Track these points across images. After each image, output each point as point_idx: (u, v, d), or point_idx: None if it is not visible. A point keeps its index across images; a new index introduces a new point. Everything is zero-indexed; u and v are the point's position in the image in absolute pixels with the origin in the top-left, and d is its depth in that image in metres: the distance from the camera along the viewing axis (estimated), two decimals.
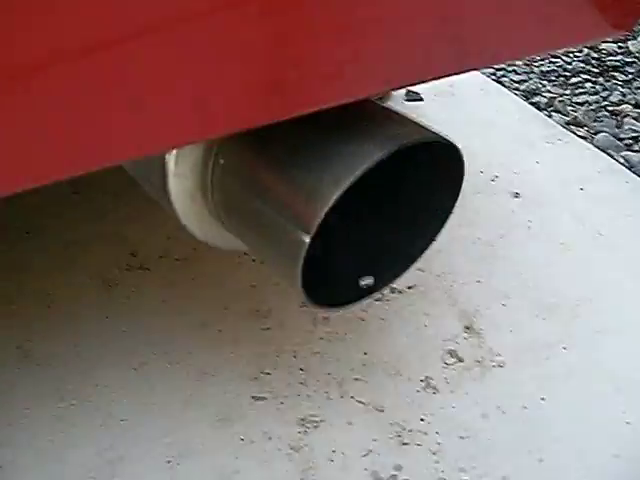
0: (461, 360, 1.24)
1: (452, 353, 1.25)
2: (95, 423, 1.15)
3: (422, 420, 1.15)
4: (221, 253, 1.46)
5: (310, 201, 0.77)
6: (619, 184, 1.63)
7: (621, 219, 1.52)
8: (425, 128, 0.84)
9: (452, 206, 0.95)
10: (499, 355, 1.24)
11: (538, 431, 1.13)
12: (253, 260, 1.44)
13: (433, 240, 0.97)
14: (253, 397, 1.19)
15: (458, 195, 0.94)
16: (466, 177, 1.66)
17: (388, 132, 0.81)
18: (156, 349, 1.27)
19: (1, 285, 1.36)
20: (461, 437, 1.12)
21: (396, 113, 0.86)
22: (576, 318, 1.31)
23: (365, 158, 0.76)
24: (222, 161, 0.87)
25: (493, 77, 2.07)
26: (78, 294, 1.37)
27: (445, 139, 0.84)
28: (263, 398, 1.18)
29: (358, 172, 0.75)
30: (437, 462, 1.09)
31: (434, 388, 1.19)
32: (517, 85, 2.07)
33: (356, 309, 1.33)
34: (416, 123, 0.85)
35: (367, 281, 0.93)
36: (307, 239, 0.77)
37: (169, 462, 1.10)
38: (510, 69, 2.16)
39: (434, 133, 0.84)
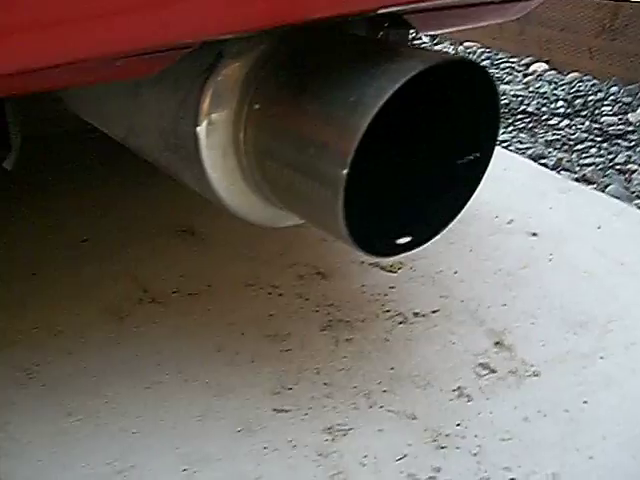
0: (494, 371, 1.16)
1: (484, 365, 1.18)
2: (103, 436, 1.06)
3: (458, 425, 1.06)
4: (236, 288, 1.42)
5: (352, 115, 0.74)
6: (636, 224, 1.61)
7: None
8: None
9: (493, 146, 0.91)
10: (533, 366, 1.17)
11: (584, 431, 1.04)
12: (269, 293, 1.39)
13: (474, 189, 0.92)
14: (275, 410, 1.10)
15: (497, 134, 0.91)
16: (480, 221, 1.67)
17: (425, 54, 0.80)
18: (170, 370, 1.19)
19: (5, 318, 1.31)
20: (502, 439, 1.03)
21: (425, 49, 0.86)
22: (609, 333, 1.24)
23: (408, 70, 0.74)
24: (257, 106, 0.85)
25: (497, 147, 2.09)
26: (87, 324, 1.31)
27: (481, 66, 0.83)
28: (286, 410, 1.10)
29: (404, 79, 0.72)
30: (479, 463, 1.00)
31: (468, 396, 1.11)
32: (523, 151, 2.10)
33: (379, 331, 1.27)
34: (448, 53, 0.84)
35: (405, 240, 0.89)
36: (348, 161, 0.73)
37: (185, 470, 1.00)
38: (515, 140, 2.20)
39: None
